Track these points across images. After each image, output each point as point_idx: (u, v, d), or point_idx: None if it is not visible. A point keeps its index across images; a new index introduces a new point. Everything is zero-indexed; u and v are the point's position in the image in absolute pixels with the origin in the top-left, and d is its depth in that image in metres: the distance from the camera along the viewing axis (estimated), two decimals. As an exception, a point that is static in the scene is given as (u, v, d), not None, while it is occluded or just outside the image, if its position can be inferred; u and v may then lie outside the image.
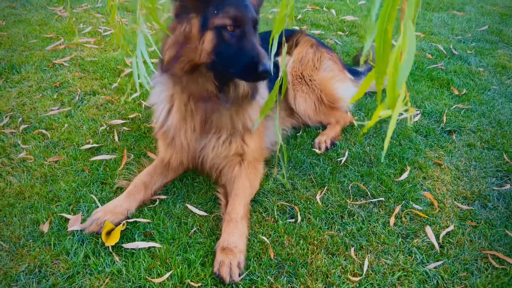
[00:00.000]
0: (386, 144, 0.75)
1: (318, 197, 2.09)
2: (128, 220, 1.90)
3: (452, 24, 4.63)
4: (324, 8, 4.86)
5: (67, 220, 1.91)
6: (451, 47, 3.97)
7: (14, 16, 4.38)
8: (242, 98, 1.92)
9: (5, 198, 2.02)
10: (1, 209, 1.96)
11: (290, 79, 2.56)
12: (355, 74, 2.95)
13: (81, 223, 1.89)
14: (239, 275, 1.63)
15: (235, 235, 1.73)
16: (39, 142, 2.44)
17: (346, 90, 2.68)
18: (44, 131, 2.53)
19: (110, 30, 4.05)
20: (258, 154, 2.13)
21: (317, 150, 2.44)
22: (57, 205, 1.99)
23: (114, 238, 1.79)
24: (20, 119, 2.65)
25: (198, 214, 1.98)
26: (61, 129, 2.57)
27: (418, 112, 2.87)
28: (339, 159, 2.37)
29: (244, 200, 1.94)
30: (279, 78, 1.17)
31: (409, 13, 0.68)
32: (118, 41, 3.47)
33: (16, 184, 2.11)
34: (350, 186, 2.17)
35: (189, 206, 2.01)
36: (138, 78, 1.06)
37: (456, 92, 3.16)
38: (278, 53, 2.75)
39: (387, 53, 0.70)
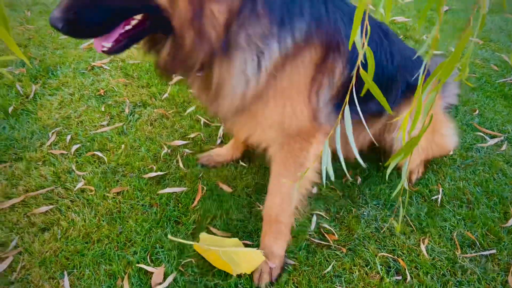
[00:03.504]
0: None
1: (423, 247, 1.86)
2: None
3: (508, 30, 4.34)
4: (371, 6, 4.52)
5: (147, 272, 1.67)
6: (516, 57, 3.70)
7: (39, 5, 4.00)
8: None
9: (71, 243, 1.77)
10: (69, 257, 1.71)
11: None
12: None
13: (164, 277, 1.65)
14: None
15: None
16: (96, 168, 2.17)
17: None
18: (99, 153, 2.25)
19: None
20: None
21: (406, 185, 2.19)
22: (133, 252, 1.75)
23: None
24: (69, 136, 2.36)
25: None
26: (117, 151, 2.29)
27: (502, 137, 2.62)
28: (433, 198, 2.14)
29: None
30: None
31: None
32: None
33: (80, 224, 1.85)
34: (455, 234, 1.94)
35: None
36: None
37: (537, 114, 2.92)
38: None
39: None
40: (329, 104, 1.68)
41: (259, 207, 2.02)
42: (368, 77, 1.01)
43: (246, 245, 1.80)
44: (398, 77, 1.90)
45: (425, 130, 1.00)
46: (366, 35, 0.89)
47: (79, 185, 2.04)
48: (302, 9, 1.45)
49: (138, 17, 1.35)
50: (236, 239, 1.78)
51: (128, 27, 1.35)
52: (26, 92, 2.73)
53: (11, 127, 2.42)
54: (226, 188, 2.11)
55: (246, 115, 1.54)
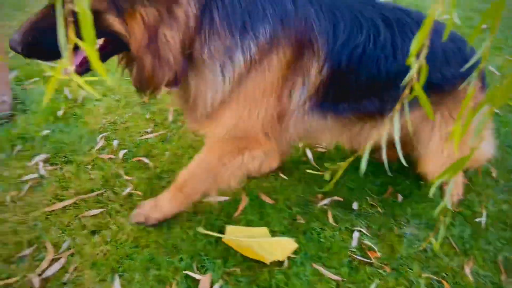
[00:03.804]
0: None
1: (467, 270, 1.84)
2: None
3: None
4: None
5: (194, 279, 1.71)
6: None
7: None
8: None
9: (121, 246, 1.83)
10: (119, 261, 1.77)
11: None
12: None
13: (211, 285, 1.69)
14: None
15: None
16: (142, 173, 2.24)
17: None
18: (145, 159, 2.33)
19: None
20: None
21: (449, 205, 2.18)
22: (179, 259, 1.79)
23: None
24: (116, 142, 2.45)
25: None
26: (161, 158, 2.36)
27: (545, 161, 2.58)
28: (476, 220, 2.11)
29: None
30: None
31: None
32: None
33: (129, 228, 1.91)
34: (499, 258, 1.91)
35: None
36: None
37: None
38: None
39: None
40: (308, 103, 1.71)
41: (300, 220, 2.04)
42: (420, 90, 1.01)
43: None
44: (408, 73, 1.79)
45: (473, 152, 1.00)
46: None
47: (127, 189, 2.11)
48: (265, 10, 1.47)
49: (100, 41, 1.43)
50: (264, 228, 1.90)
51: None
52: (74, 97, 2.84)
53: (60, 131, 2.52)
54: (268, 200, 2.14)
55: (210, 118, 1.64)
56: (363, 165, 1.03)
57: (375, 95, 1.77)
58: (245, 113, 1.62)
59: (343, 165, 1.30)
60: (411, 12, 1.79)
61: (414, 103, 1.83)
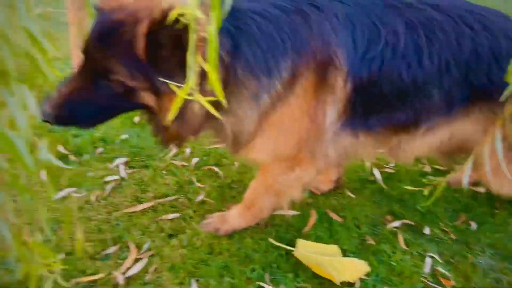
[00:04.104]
0: None
1: (549, 308, 1.76)
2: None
3: None
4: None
5: (266, 291, 1.76)
6: None
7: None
8: None
9: (196, 251, 1.91)
10: (196, 265, 1.85)
11: None
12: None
13: (283, 300, 1.73)
14: None
15: None
16: (214, 182, 2.33)
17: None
18: (215, 168, 2.42)
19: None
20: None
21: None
22: (252, 269, 1.84)
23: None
24: (188, 150, 2.56)
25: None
26: (231, 168, 2.44)
27: None
28: (557, 255, 2.02)
29: None
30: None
31: None
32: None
33: (203, 234, 1.99)
34: None
35: (395, 294, 1.78)
36: None
37: None
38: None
39: None
40: (339, 121, 1.68)
41: (369, 241, 2.03)
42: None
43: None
44: (443, 79, 1.61)
45: None
46: None
47: (200, 197, 2.20)
48: (284, 42, 1.46)
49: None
50: (335, 246, 1.93)
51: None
52: (148, 104, 3.00)
53: (137, 136, 2.68)
54: (336, 217, 2.15)
55: (250, 147, 1.70)
56: (465, 181, 1.03)
57: (406, 106, 1.69)
58: (280, 139, 1.68)
59: (442, 181, 1.27)
60: (443, 8, 1.64)
61: (462, 110, 1.72)
